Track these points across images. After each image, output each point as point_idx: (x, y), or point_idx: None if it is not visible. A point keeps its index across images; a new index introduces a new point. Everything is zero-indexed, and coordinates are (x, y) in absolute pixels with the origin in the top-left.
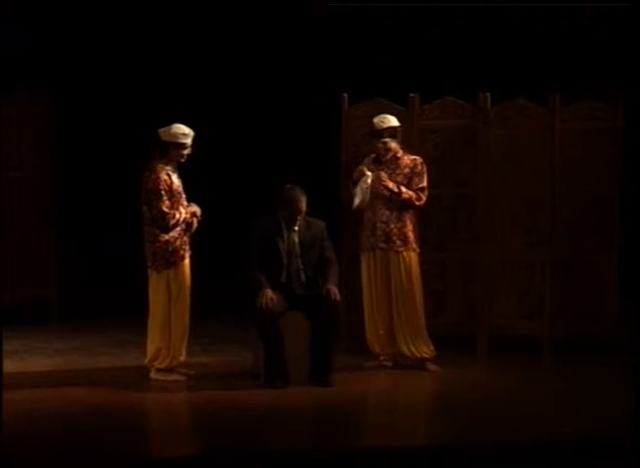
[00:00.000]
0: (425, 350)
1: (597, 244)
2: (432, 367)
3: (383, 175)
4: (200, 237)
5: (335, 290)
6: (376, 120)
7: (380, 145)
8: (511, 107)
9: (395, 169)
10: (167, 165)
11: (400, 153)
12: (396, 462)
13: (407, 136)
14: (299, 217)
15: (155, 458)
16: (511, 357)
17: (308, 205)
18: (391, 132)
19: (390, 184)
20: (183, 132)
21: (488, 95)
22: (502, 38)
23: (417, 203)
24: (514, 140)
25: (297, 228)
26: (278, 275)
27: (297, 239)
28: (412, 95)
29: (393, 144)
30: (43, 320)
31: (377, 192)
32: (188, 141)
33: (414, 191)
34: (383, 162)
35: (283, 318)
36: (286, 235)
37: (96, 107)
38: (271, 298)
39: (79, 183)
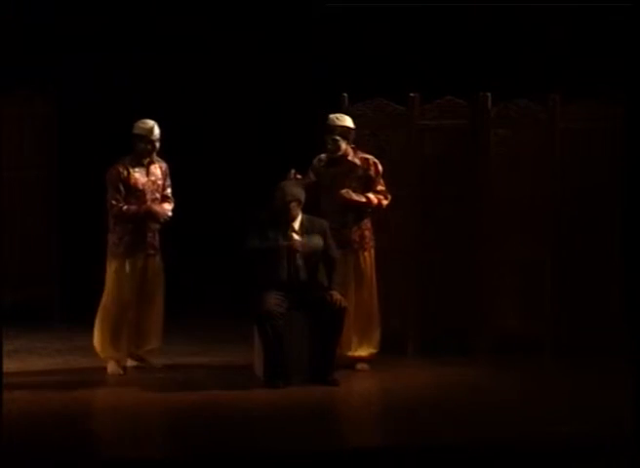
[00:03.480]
0: (365, 350)
1: (598, 244)
2: (363, 366)
3: (347, 191)
4: (200, 236)
5: (338, 295)
6: (331, 116)
7: (330, 142)
8: (511, 107)
9: (349, 173)
10: (132, 160)
11: (351, 155)
12: (396, 462)
13: (407, 136)
14: (293, 206)
15: (155, 458)
16: (511, 357)
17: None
18: (344, 131)
19: (356, 197)
20: (144, 125)
21: (488, 95)
22: (502, 38)
23: (383, 204)
24: (514, 140)
25: (297, 226)
26: (278, 272)
27: (297, 237)
28: (412, 95)
29: (343, 144)
30: (43, 320)
31: (333, 200)
32: (148, 135)
33: (375, 193)
34: (335, 162)
35: (283, 318)
36: (285, 232)
37: (96, 107)
38: (273, 302)
39: (79, 183)
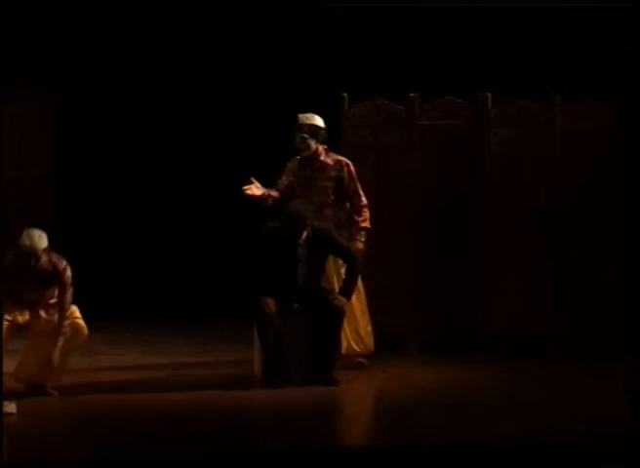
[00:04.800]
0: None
1: (598, 244)
2: (362, 360)
3: (357, 249)
4: (200, 237)
5: (337, 296)
6: (300, 115)
7: (298, 140)
8: (511, 107)
9: (321, 173)
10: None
11: (323, 155)
12: (396, 462)
13: (407, 136)
14: (304, 233)
15: (154, 458)
16: (512, 357)
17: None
18: (312, 130)
19: (360, 244)
20: (26, 242)
21: (488, 95)
22: (502, 38)
23: (367, 216)
24: (514, 140)
25: (301, 242)
26: (283, 283)
27: (302, 249)
28: (412, 95)
29: (312, 143)
30: None
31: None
32: (30, 253)
33: (355, 206)
34: (308, 163)
35: (283, 318)
36: (292, 245)
37: (95, 107)
38: (272, 303)
39: (79, 183)
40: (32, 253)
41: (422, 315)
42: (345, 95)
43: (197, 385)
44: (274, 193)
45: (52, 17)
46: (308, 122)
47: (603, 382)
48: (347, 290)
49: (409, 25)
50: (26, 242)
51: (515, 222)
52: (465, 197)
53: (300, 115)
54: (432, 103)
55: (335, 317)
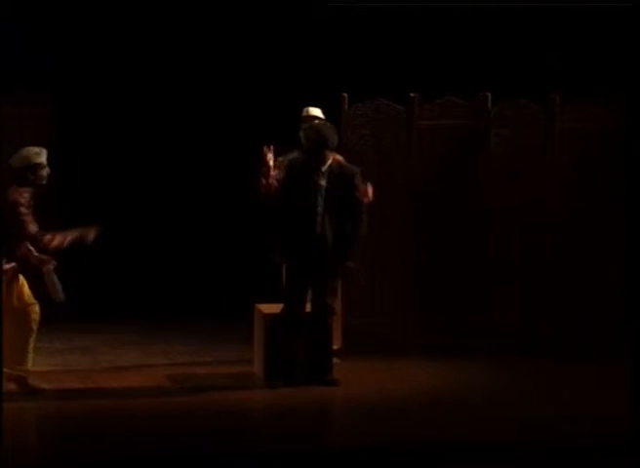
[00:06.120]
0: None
1: (598, 243)
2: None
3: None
4: (201, 237)
5: (350, 268)
6: (309, 108)
7: None
8: (511, 107)
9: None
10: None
11: None
12: (396, 462)
13: (407, 136)
14: (326, 153)
15: (154, 458)
16: (512, 357)
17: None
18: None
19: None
20: (35, 151)
21: (488, 95)
22: (502, 38)
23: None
24: (514, 140)
25: (323, 170)
26: (302, 217)
27: (324, 182)
28: (412, 95)
29: None
30: (43, 319)
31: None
32: (44, 159)
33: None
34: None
35: (303, 323)
36: (314, 176)
37: (96, 107)
38: (298, 303)
39: (79, 183)
40: (40, 154)
41: (422, 315)
42: (345, 95)
43: (197, 385)
44: (275, 184)
45: (52, 17)
46: (319, 114)
47: (603, 382)
48: (350, 253)
49: (409, 25)
50: (29, 153)
51: (515, 221)
52: (466, 197)
53: (310, 108)
54: (432, 103)
55: (325, 314)
